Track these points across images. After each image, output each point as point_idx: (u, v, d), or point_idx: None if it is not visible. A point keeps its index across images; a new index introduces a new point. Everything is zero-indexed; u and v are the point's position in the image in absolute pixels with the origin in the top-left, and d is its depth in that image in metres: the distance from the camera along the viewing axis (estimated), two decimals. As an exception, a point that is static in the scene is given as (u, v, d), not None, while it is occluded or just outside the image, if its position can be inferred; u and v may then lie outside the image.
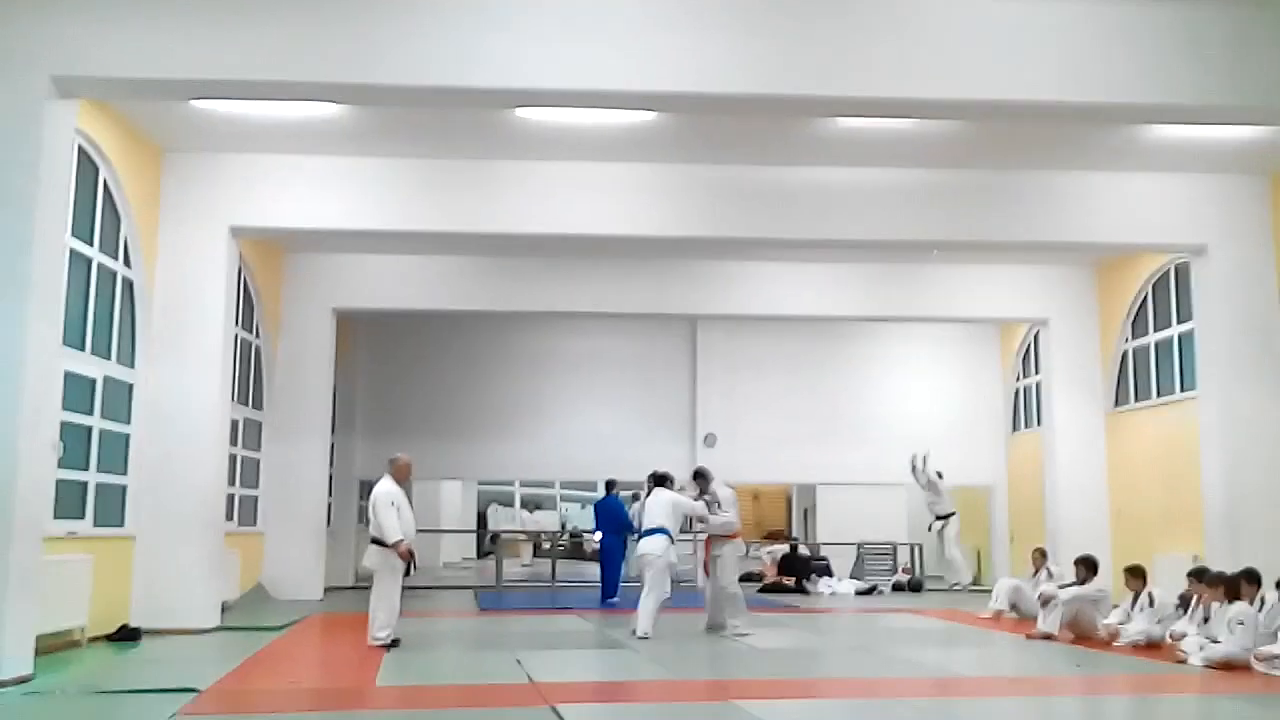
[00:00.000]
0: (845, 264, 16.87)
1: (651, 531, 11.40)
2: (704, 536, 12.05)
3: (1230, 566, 10.81)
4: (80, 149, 10.37)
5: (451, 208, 12.73)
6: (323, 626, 12.78)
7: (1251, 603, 9.74)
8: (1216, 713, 7.80)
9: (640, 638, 10.87)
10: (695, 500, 11.84)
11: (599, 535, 17.22)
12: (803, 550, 20.24)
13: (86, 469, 10.87)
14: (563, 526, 35.71)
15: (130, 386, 11.75)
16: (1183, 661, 9.76)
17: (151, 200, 12.05)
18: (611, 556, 16.51)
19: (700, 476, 12.00)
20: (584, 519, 35.23)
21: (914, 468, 18.13)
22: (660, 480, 11.95)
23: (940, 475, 18.24)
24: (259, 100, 10.23)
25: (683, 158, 12.60)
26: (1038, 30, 9.07)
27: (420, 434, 18.94)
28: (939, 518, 18.21)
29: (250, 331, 15.28)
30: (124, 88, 9.15)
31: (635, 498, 17.12)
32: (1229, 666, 9.27)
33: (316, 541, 16.01)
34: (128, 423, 11.69)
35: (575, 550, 30.39)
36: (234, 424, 13.73)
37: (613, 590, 16.14)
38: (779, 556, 19.43)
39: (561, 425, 20.06)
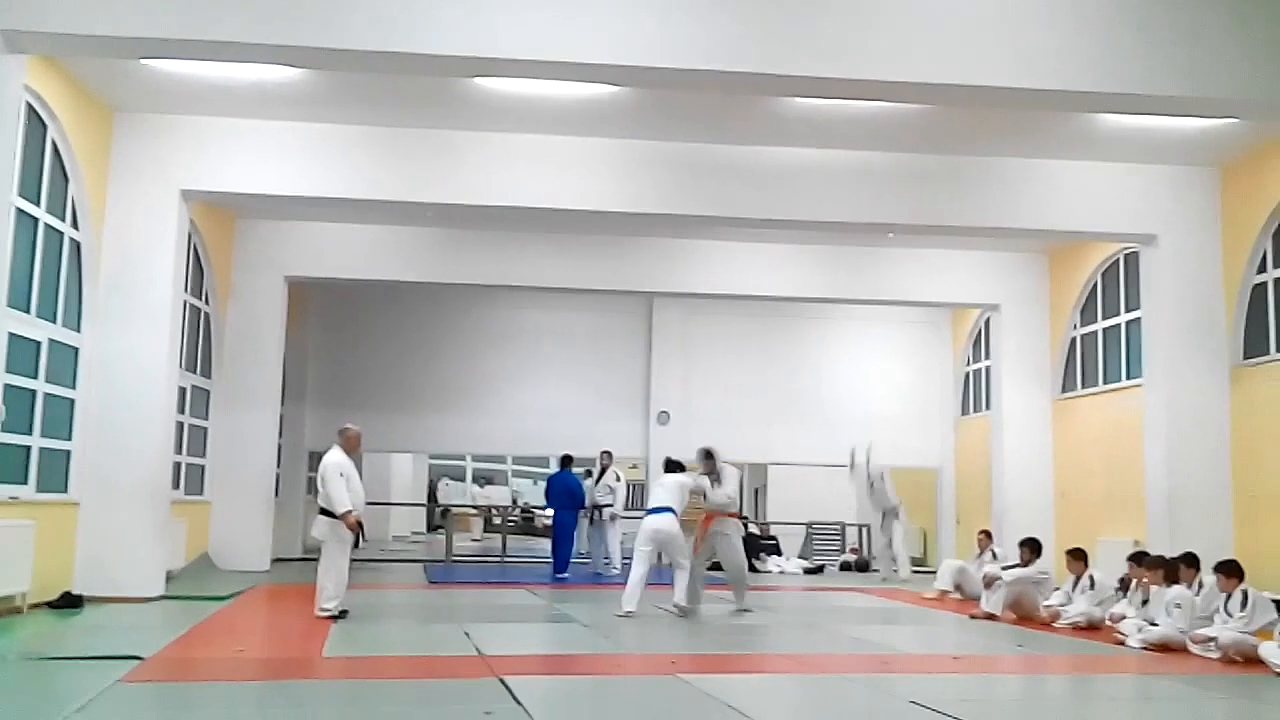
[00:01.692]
0: (801, 245, 16.93)
1: (660, 510, 11.31)
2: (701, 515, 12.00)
3: (1169, 551, 11.05)
4: (28, 106, 10.14)
5: (407, 177, 12.60)
6: (269, 597, 12.68)
7: (1189, 586, 9.96)
8: (1152, 692, 7.95)
9: (682, 613, 11.00)
10: (701, 476, 11.79)
11: (550, 510, 17.23)
12: (752, 529, 20.36)
13: (30, 433, 10.69)
14: (514, 501, 35.68)
15: (76, 350, 11.55)
16: (1121, 643, 9.96)
17: (101, 161, 11.83)
18: (563, 532, 16.52)
19: (709, 455, 11.84)
20: (536, 494, 35.21)
21: (854, 464, 17.47)
22: (674, 466, 11.98)
23: (882, 476, 17.40)
24: (214, 61, 10.03)
25: (642, 133, 12.57)
26: (993, 16, 9.17)
27: (371, 406, 18.81)
28: (886, 513, 17.49)
29: (200, 298, 15.07)
30: (75, 44, 8.93)
31: (588, 474, 17.16)
32: (1166, 648, 9.47)
33: (264, 511, 15.87)
34: (73, 387, 11.50)
35: (526, 526, 30.40)
36: (182, 391, 13.55)
37: (563, 566, 16.17)
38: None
39: (514, 400, 19.99)
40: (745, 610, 11.72)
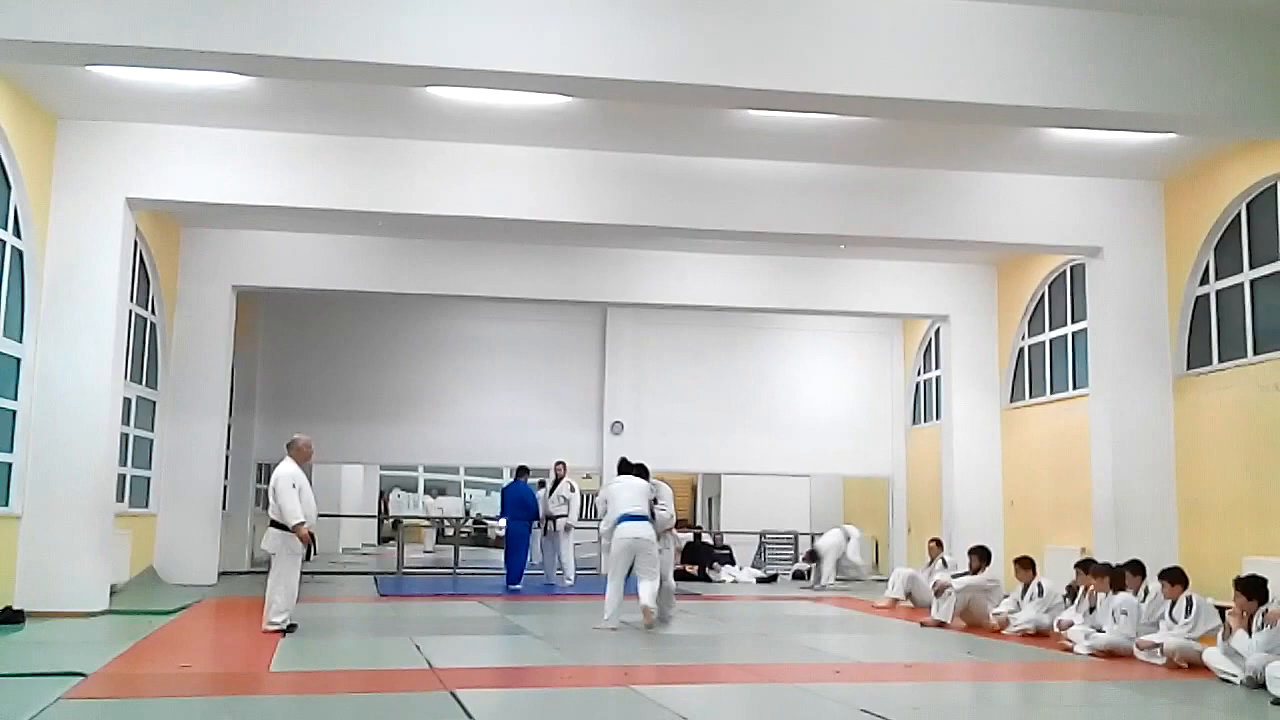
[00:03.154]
0: (753, 255, 17.01)
1: (636, 517, 11.00)
2: None
3: (1116, 558, 11.20)
4: (-33, 112, 9.98)
5: (358, 186, 12.48)
6: (216, 611, 12.50)
7: (1135, 593, 10.10)
8: (1099, 698, 8.06)
9: (651, 626, 10.73)
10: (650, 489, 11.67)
11: (503, 521, 17.15)
12: (705, 539, 20.42)
13: (-32, 445, 10.48)
14: (466, 512, 35.49)
15: (18, 361, 11.33)
16: (1069, 649, 10.08)
17: (44, 169, 11.62)
18: (517, 543, 16.44)
19: (643, 471, 11.75)
20: (488, 505, 35.04)
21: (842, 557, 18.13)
22: (636, 469, 11.61)
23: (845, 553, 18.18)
24: (161, 68, 9.88)
25: (595, 144, 12.57)
26: (941, 31, 9.23)
27: (322, 416, 18.62)
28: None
29: (145, 307, 14.84)
30: (17, 50, 8.75)
31: (542, 485, 17.10)
32: (1112, 654, 9.59)
33: (211, 524, 15.63)
34: (14, 398, 11.28)
35: (479, 536, 30.24)
36: (127, 402, 13.33)
37: (516, 577, 16.09)
38: (682, 545, 19.56)
39: (467, 410, 19.89)
40: (671, 618, 11.57)
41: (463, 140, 12.40)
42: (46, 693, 6.73)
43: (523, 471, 17.06)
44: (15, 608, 10.73)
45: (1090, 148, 12.34)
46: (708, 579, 18.51)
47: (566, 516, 16.59)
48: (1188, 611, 9.30)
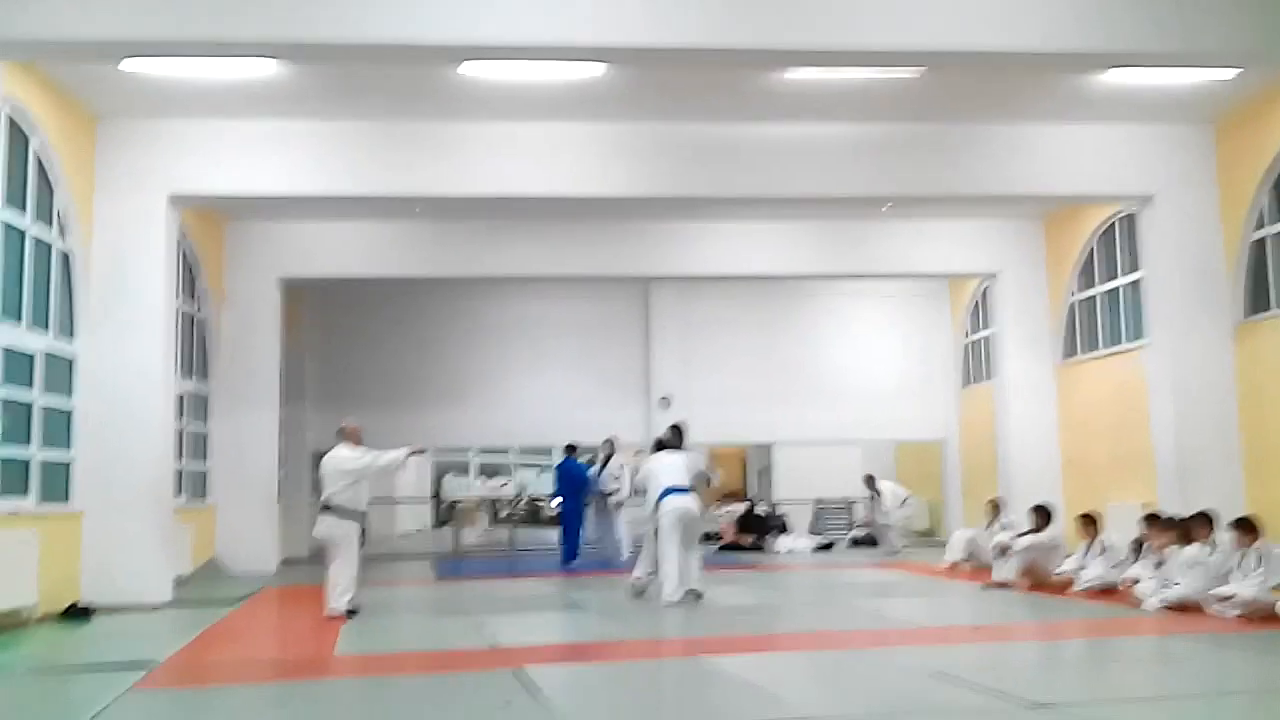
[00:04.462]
0: (797, 222, 16.83)
1: (681, 490, 10.86)
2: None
3: (1181, 511, 10.98)
4: (9, 117, 10.04)
5: (397, 170, 12.46)
6: (279, 598, 12.62)
7: (1204, 545, 9.87)
8: (1175, 653, 7.90)
9: (699, 597, 10.61)
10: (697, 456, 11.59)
11: (558, 500, 17.17)
12: (760, 509, 20.32)
13: (29, 445, 10.59)
14: (519, 494, 35.61)
15: (72, 361, 11.45)
16: (1138, 605, 9.90)
17: (86, 169, 11.70)
18: (571, 520, 16.47)
19: (678, 432, 11.55)
20: (541, 485, 35.14)
21: (874, 495, 18.32)
22: (672, 431, 11.46)
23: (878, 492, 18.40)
24: (193, 58, 9.87)
25: (632, 115, 12.43)
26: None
27: (372, 403, 18.67)
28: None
29: (194, 303, 14.95)
30: (53, 50, 8.82)
31: (593, 463, 17.08)
32: (1184, 608, 9.41)
33: (269, 513, 15.79)
34: (70, 397, 11.40)
35: (533, 516, 30.35)
36: (182, 397, 13.44)
37: (572, 554, 16.12)
38: (737, 516, 19.52)
39: (516, 391, 19.91)
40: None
41: (497, 119, 12.31)
42: (118, 683, 6.80)
43: (571, 449, 17.05)
44: (82, 603, 10.88)
45: (1138, 93, 12.03)
46: (763, 549, 18.45)
47: (619, 493, 16.56)
48: (1259, 563, 9.09)
